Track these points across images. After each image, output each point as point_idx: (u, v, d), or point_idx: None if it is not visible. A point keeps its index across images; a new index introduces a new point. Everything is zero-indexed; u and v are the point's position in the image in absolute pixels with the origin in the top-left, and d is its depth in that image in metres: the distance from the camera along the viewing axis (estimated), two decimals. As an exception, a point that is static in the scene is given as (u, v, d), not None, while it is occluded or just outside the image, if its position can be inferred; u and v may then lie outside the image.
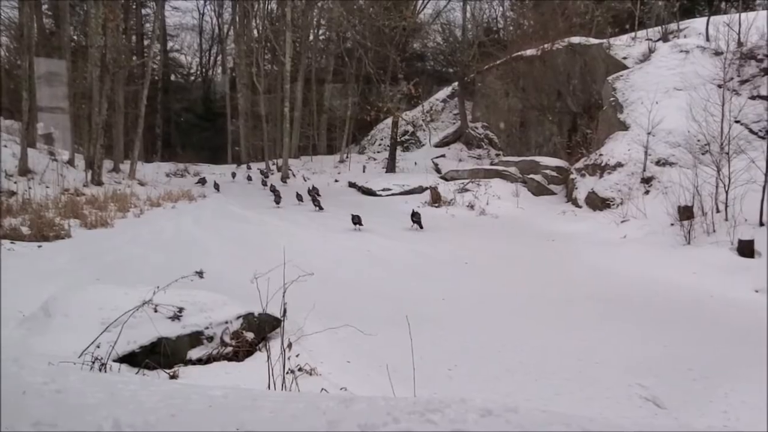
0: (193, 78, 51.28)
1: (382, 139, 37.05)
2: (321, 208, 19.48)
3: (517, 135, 29.57)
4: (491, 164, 26.85)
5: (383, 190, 24.70)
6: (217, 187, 26.08)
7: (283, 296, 5.69)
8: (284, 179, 29.60)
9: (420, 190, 23.95)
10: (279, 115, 35.37)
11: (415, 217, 16.97)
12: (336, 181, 29.29)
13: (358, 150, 38.97)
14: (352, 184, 27.22)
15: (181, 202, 18.67)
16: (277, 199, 21.09)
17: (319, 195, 21.42)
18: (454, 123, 35.47)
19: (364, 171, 31.04)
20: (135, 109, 30.26)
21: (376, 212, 19.09)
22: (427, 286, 10.81)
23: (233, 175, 32.52)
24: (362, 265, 12.03)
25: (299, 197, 21.74)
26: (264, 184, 27.15)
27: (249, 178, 31.11)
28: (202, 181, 28.01)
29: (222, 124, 43.91)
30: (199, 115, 48.17)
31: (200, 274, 7.82)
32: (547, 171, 23.27)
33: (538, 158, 24.65)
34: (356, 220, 16.59)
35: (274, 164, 35.22)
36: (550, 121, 27.04)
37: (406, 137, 35.40)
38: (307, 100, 39.16)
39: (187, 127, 47.58)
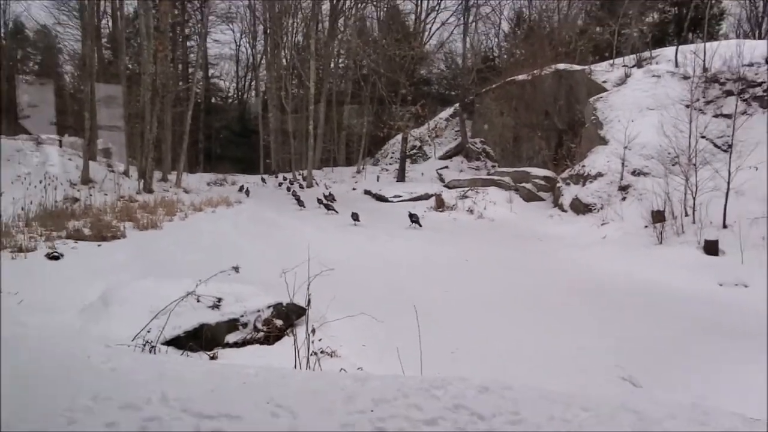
0: (230, 100, 51.72)
1: (393, 153, 37.32)
2: (335, 211, 19.25)
3: (511, 149, 29.38)
4: (488, 174, 27.05)
5: (394, 196, 24.82)
6: (247, 192, 25.78)
7: (308, 288, 5.69)
8: (308, 187, 29.82)
9: (426, 196, 24.05)
10: (304, 132, 35.24)
11: (414, 218, 17.26)
12: (354, 189, 29.26)
13: (372, 162, 39.01)
14: (367, 192, 27.40)
15: (220, 208, 18.61)
16: (300, 203, 21.30)
17: (334, 200, 21.68)
18: (455, 139, 35.52)
19: (377, 180, 31.04)
20: (181, 127, 30.26)
21: (388, 216, 18.93)
22: (432, 279, 10.80)
23: (263, 180, 32.91)
24: (375, 261, 12.03)
25: (320, 201, 21.60)
26: (288, 190, 27.24)
27: (279, 185, 31.29)
28: (245, 191, 26.41)
29: (255, 140, 44.25)
30: (235, 132, 48.41)
31: (236, 269, 7.80)
32: (537, 180, 23.21)
33: (529, 169, 24.57)
34: (355, 217, 17.03)
35: (300, 174, 34.98)
36: (539, 137, 26.81)
37: (414, 151, 35.81)
38: (329, 119, 39.13)
39: (225, 142, 47.38)
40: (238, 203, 20.47)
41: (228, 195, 23.04)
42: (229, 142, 47.20)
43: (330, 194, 23.14)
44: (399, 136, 33.85)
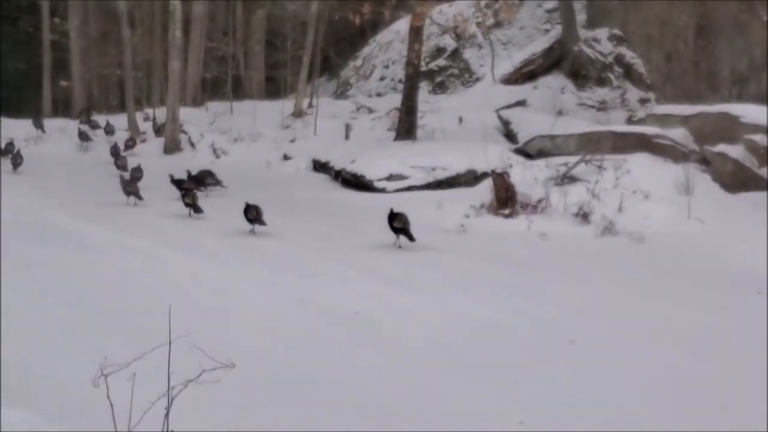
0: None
1: (386, 67, 19.04)
2: (196, 210, 9.27)
3: (690, 57, 14.94)
4: (630, 121, 13.37)
5: (389, 178, 11.75)
6: (14, 159, 12.36)
7: (167, 418, 2.71)
8: (170, 148, 15.05)
9: (469, 178, 11.66)
10: (156, 9, 19.57)
11: (398, 222, 8.06)
12: (286, 157, 14.34)
13: (335, 90, 20.28)
14: (320, 166, 13.42)
15: None
16: (130, 191, 10.00)
17: (206, 185, 10.77)
18: (546, 31, 17.87)
19: (347, 137, 14.98)
20: None
21: (357, 220, 9.53)
22: (482, 391, 4.32)
23: (39, 128, 16.13)
24: (338, 343, 5.09)
25: (177, 184, 10.20)
26: (117, 160, 12.40)
27: (82, 137, 15.36)
28: (10, 157, 12.53)
29: (29, 31, 22.94)
30: None
31: None
32: (759, 137, 10.65)
33: (736, 107, 11.77)
34: (252, 215, 8.41)
35: (145, 116, 17.76)
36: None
37: (441, 63, 18.07)
38: None
39: None
40: None
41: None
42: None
43: (207, 173, 11.27)
44: (401, 26, 17.46)
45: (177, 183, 10.37)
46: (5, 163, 12.44)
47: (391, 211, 8.14)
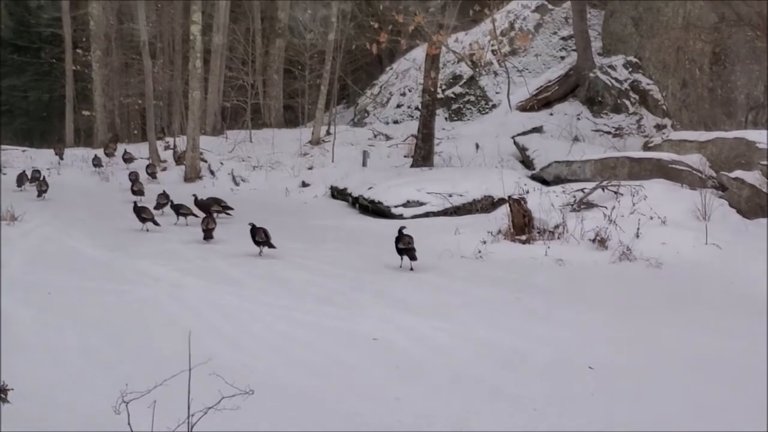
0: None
1: (403, 95, 19.07)
2: (207, 236, 9.24)
3: (705, 83, 14.74)
4: (646, 147, 13.07)
5: (406, 205, 11.79)
6: (40, 186, 12.43)
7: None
8: (190, 176, 14.98)
9: (486, 204, 11.73)
10: (177, 40, 20.30)
11: (403, 242, 8.06)
12: (304, 184, 14.59)
13: (352, 118, 20.18)
14: (338, 192, 13.52)
15: None
16: (145, 217, 9.92)
17: (214, 212, 10.35)
18: (562, 58, 18.20)
19: (364, 164, 15.10)
20: None
21: (389, 255, 8.42)
22: (501, 417, 4.25)
23: (59, 155, 16.32)
24: (357, 369, 5.00)
25: (180, 212, 10.47)
26: (133, 185, 12.41)
27: (96, 163, 15.50)
28: (37, 187, 12.55)
29: (52, 61, 23.30)
30: (1, 40, 24.42)
31: (1, 392, 3.18)
32: None
33: (752, 133, 11.59)
34: (261, 238, 8.43)
35: (166, 145, 17.72)
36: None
37: (457, 91, 17.99)
38: (242, 10, 21.07)
39: None
40: (9, 221, 9.75)
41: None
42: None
43: (213, 201, 11.03)
44: (417, 53, 17.61)
45: (176, 208, 10.43)
46: (30, 190, 12.70)
47: (401, 231, 8.16)
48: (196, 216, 10.32)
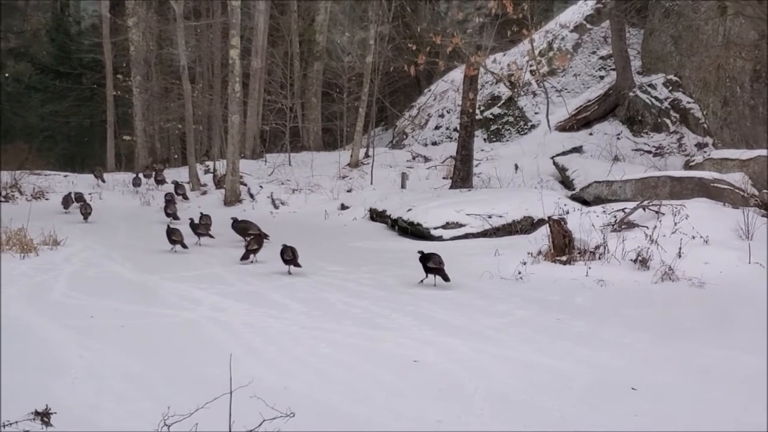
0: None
1: (441, 116, 19.08)
2: (250, 255, 9.22)
3: (746, 101, 14.68)
4: (687, 166, 13.11)
5: (445, 227, 11.61)
6: (84, 210, 12.68)
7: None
8: (230, 200, 15.02)
9: (526, 225, 11.59)
10: (216, 64, 20.51)
11: (433, 261, 8.13)
12: (343, 206, 14.44)
13: (391, 140, 20.31)
14: (377, 215, 13.32)
15: (8, 255, 9.02)
16: (176, 239, 9.94)
17: (258, 241, 9.57)
18: (601, 78, 18.02)
19: (403, 186, 14.88)
20: None
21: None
22: None
23: (99, 179, 16.65)
24: (398, 392, 4.86)
25: (202, 233, 10.60)
26: (166, 207, 12.84)
27: (136, 183, 16.11)
28: (81, 209, 12.82)
29: (93, 87, 23.71)
30: (43, 66, 25.29)
31: (44, 416, 3.39)
32: None
33: None
34: (288, 256, 8.54)
35: (206, 169, 17.88)
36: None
37: (496, 111, 17.91)
38: (280, 33, 21.15)
39: (17, 92, 24.98)
40: (52, 245, 9.89)
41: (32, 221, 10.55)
42: (27, 90, 25.34)
43: (248, 224, 10.70)
44: (456, 75, 17.97)
45: (194, 228, 10.53)
46: (74, 212, 12.99)
47: (422, 252, 8.26)
48: (212, 237, 10.55)
